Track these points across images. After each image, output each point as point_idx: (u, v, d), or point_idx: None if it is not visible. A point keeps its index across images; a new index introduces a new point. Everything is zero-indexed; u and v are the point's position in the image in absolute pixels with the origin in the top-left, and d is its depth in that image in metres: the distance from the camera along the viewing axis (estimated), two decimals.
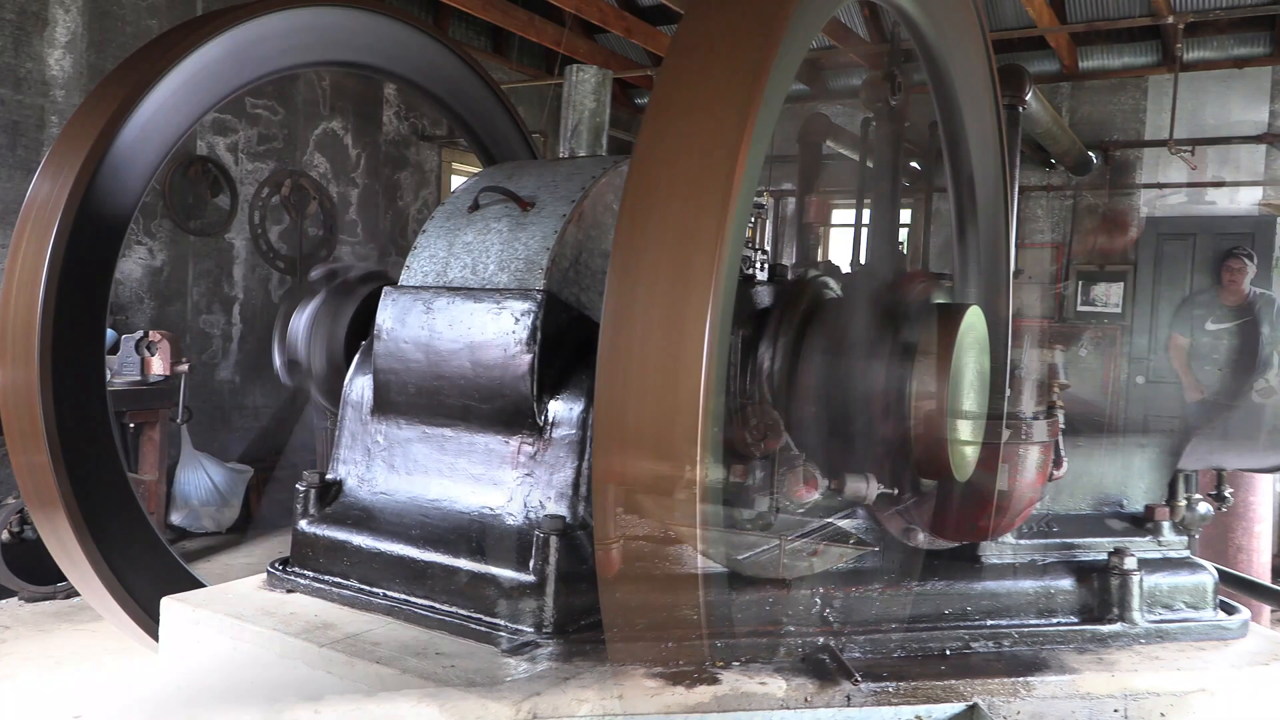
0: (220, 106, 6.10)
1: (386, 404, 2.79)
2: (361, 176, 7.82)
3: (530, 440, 2.54)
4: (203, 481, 6.37)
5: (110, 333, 5.85)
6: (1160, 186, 8.04)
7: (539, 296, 2.51)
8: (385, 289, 2.81)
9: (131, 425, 5.61)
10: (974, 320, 2.55)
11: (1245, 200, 7.81)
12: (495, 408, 2.58)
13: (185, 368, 5.59)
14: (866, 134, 6.91)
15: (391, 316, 2.75)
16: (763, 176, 9.25)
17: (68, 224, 2.84)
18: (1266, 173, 7.71)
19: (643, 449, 1.69)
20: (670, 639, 1.83)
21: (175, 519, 6.32)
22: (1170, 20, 6.18)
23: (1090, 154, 8.11)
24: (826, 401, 2.48)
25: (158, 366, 5.53)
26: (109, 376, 5.46)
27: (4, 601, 4.82)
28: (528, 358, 2.50)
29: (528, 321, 2.51)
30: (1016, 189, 5.51)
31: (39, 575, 4.83)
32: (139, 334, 5.53)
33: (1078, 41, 8.19)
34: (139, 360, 5.53)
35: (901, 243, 5.98)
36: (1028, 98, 5.68)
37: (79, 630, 4.41)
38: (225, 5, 3.75)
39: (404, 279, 2.83)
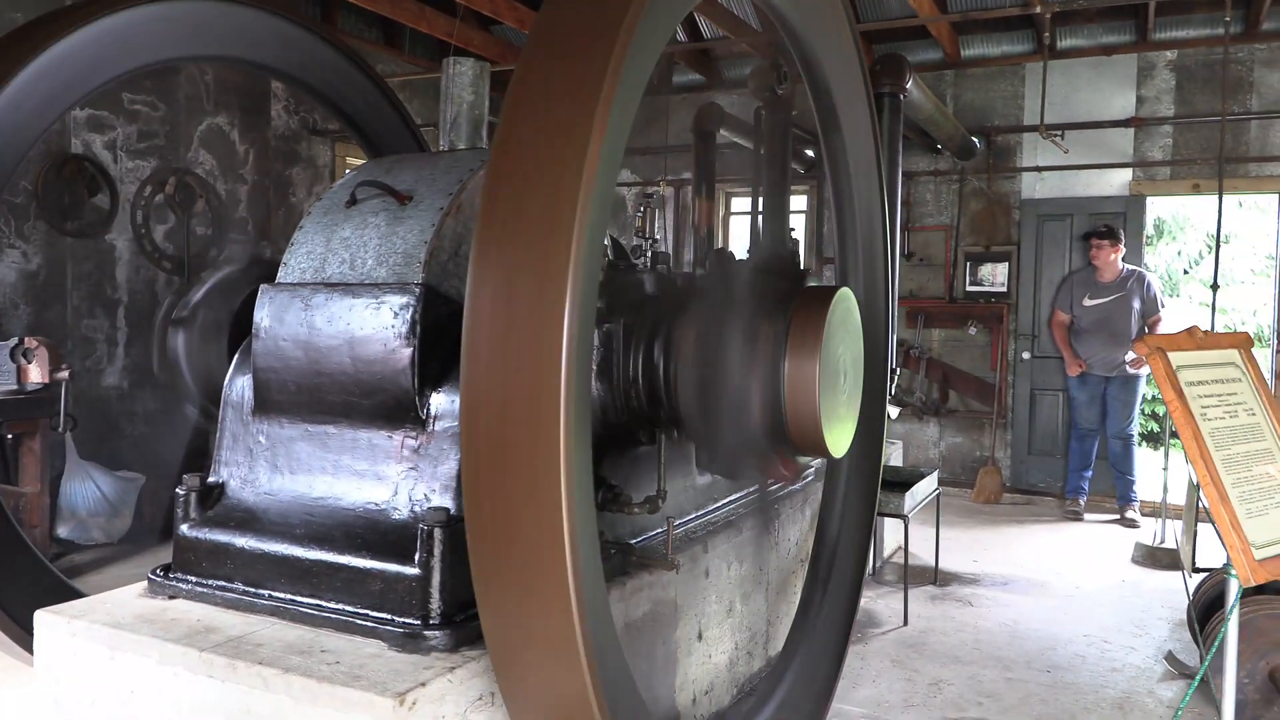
0: (83, 103, 5.86)
1: (267, 403, 2.76)
2: (250, 173, 7.61)
3: (413, 434, 2.55)
4: (91, 492, 6.14)
5: None
6: (1039, 170, 8.38)
7: (417, 290, 2.52)
8: (263, 286, 2.78)
9: (10, 436, 5.37)
10: (844, 302, 2.65)
11: (1117, 182, 8.20)
12: (377, 402, 2.58)
13: (65, 374, 5.37)
14: (759, 122, 7.05)
15: (269, 315, 2.72)
16: (661, 166, 9.29)
17: None
18: (1135, 155, 8.11)
19: (507, 440, 1.71)
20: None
21: (62, 532, 6.07)
22: (1039, 10, 6.45)
23: (974, 139, 8.40)
24: (704, 386, 2.54)
25: (35, 374, 5.31)
26: None
27: None
28: (408, 351, 2.50)
29: (406, 315, 2.51)
30: (900, 175, 5.69)
31: None
32: (13, 341, 5.30)
33: (959, 31, 8.47)
34: (15, 368, 5.30)
35: (793, 229, 6.10)
36: (908, 86, 5.86)
37: None
38: None
39: (281, 276, 2.80)
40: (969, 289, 8.73)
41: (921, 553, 5.94)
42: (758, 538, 3.96)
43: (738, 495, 3.90)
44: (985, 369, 8.71)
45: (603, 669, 1.84)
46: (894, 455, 6.36)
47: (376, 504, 2.56)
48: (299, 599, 2.47)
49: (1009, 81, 8.61)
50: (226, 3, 3.50)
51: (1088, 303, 7.69)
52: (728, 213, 10.23)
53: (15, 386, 5.28)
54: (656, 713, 3.06)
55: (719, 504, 3.75)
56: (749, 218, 7.47)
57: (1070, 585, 5.71)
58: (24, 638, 2.87)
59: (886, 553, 6.05)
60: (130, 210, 6.67)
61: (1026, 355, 8.53)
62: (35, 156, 6.11)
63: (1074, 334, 7.78)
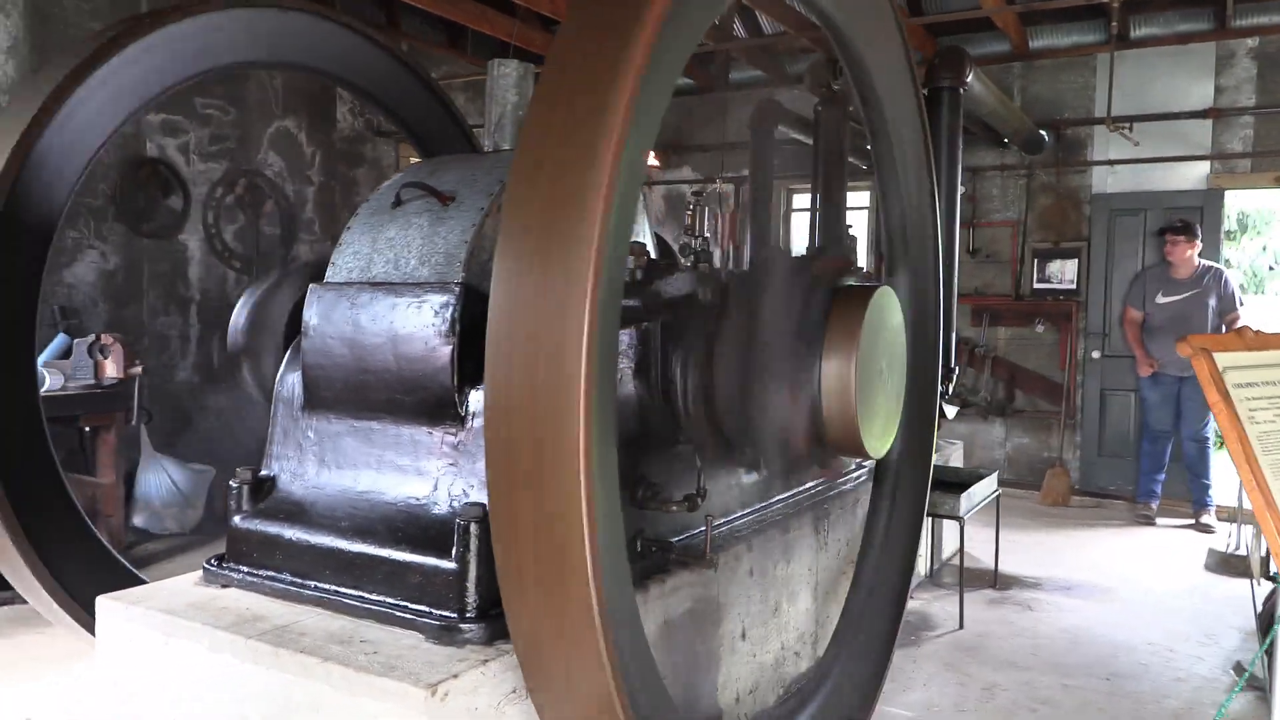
0: (155, 108, 6.08)
1: (316, 399, 2.83)
2: (317, 174, 7.81)
3: (453, 430, 2.59)
4: (164, 483, 6.38)
5: (63, 337, 5.85)
6: (1111, 163, 8.14)
7: (457, 289, 2.56)
8: (311, 286, 2.85)
9: (87, 429, 5.61)
10: (883, 301, 2.62)
11: (1194, 175, 7.92)
12: (418, 399, 2.63)
13: (139, 370, 5.58)
14: (818, 118, 6.98)
15: (317, 313, 2.79)
16: (719, 163, 9.23)
17: None
18: (1213, 147, 7.82)
19: (526, 438, 1.73)
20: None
21: (138, 521, 6.32)
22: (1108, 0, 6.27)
23: (1042, 132, 8.19)
24: (741, 386, 2.54)
25: (111, 369, 5.53)
26: (63, 382, 5.46)
27: None
28: (447, 349, 2.55)
29: (447, 314, 2.55)
30: (960, 170, 5.58)
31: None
32: (91, 338, 5.53)
33: (1026, 21, 8.26)
34: (92, 364, 5.53)
35: (850, 225, 6.03)
36: (968, 79, 5.74)
37: (35, 634, 4.43)
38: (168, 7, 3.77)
39: (329, 276, 2.87)
40: (1036, 286, 8.52)
41: (983, 555, 5.83)
42: (806, 538, 3.93)
43: (785, 494, 3.88)
44: (1053, 368, 8.49)
45: (626, 668, 1.85)
46: (953, 456, 6.24)
47: (417, 499, 2.61)
48: (343, 590, 2.54)
49: (1079, 73, 8.37)
50: (283, 9, 3.60)
51: (1161, 300, 7.45)
52: (789, 209, 10.15)
53: (92, 381, 5.50)
54: (696, 711, 3.06)
55: (766, 503, 3.73)
56: (809, 214, 7.39)
57: (1138, 591, 5.54)
58: (88, 621, 3.00)
59: (946, 555, 5.95)
60: (202, 211, 6.91)
61: (1097, 354, 8.29)
62: (113, 161, 6.37)
63: (1146, 332, 7.54)
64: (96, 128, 3.26)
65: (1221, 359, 2.28)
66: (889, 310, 2.67)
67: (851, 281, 2.82)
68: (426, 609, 2.38)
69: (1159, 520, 7.42)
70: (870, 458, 2.56)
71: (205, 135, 6.93)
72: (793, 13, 7.96)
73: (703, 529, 3.11)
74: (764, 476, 3.30)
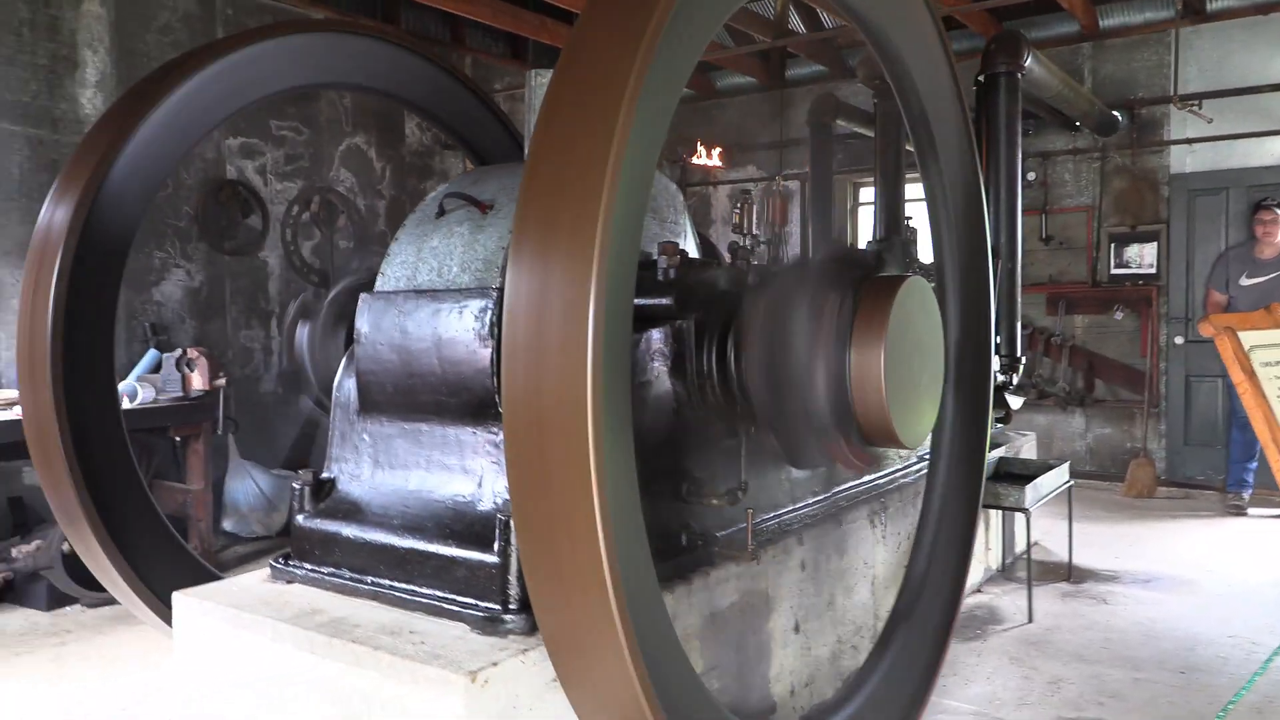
0: (233, 131, 6.36)
1: (369, 403, 2.97)
2: (388, 188, 8.07)
3: (496, 430, 2.69)
4: (250, 489, 6.68)
5: (153, 352, 6.17)
6: (1189, 142, 7.86)
7: (495, 293, 2.66)
8: (362, 295, 2.99)
9: (177, 439, 5.91)
10: (914, 289, 2.62)
11: (1277, 151, 7.59)
12: (462, 401, 2.74)
13: (223, 381, 5.87)
14: (876, 111, 6.92)
15: (368, 321, 2.93)
16: (777, 159, 9.17)
17: (70, 252, 3.06)
18: None
19: (539, 435, 1.80)
20: None
21: (227, 525, 6.63)
22: None
23: (1115, 114, 7.96)
24: (774, 378, 2.57)
25: (197, 382, 5.82)
26: (154, 395, 5.77)
27: (68, 608, 5.14)
28: (487, 351, 2.65)
29: (486, 318, 2.66)
30: (1019, 156, 5.48)
31: (98, 583, 5.14)
32: (178, 352, 5.83)
33: (1094, 1, 8.04)
34: (180, 377, 5.82)
35: (909, 218, 5.98)
36: (1026, 63, 5.63)
37: (133, 632, 4.70)
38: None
39: (379, 285, 3.01)
40: (1114, 272, 8.27)
41: (1060, 549, 5.71)
42: (861, 531, 3.93)
43: (837, 488, 3.88)
44: (1134, 355, 8.24)
45: (652, 663, 1.89)
46: (1025, 447, 6.12)
47: (464, 496, 2.72)
48: (396, 584, 2.66)
49: (1153, 50, 8.11)
50: (339, 34, 3.77)
51: (1245, 282, 7.16)
52: (856, 203, 10.06)
53: (180, 394, 5.80)
54: (748, 703, 3.10)
55: (818, 497, 3.75)
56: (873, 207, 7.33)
57: (1221, 583, 5.36)
58: (167, 614, 3.19)
59: (1019, 549, 5.84)
60: (280, 229, 7.21)
61: (1180, 340, 8.01)
62: (195, 184, 6.71)
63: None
64: (168, 151, 3.46)
65: (1247, 338, 2.22)
66: (921, 299, 2.67)
67: (889, 272, 2.83)
68: (472, 601, 2.49)
69: (1251, 510, 7.13)
70: (905, 446, 2.57)
71: (280, 156, 7.23)
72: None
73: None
74: (804, 469, 3.32)
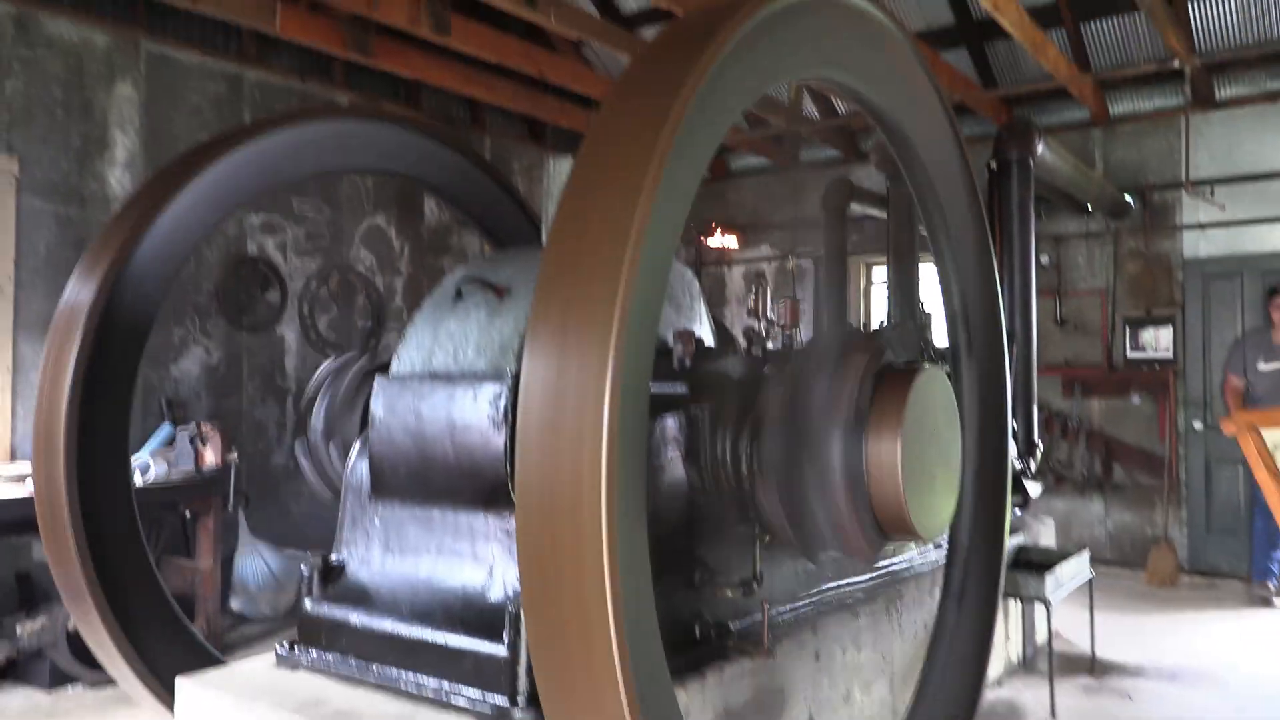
0: (257, 209, 6.46)
1: (382, 487, 2.95)
2: (406, 265, 8.17)
3: (508, 516, 2.66)
4: (260, 567, 6.61)
5: (168, 427, 6.19)
6: (1201, 227, 7.90)
7: (510, 379, 2.66)
8: (378, 378, 3.00)
9: (188, 515, 5.88)
10: (930, 380, 2.61)
11: None
12: (475, 487, 2.72)
13: (235, 456, 5.86)
14: (889, 195, 7.01)
15: (383, 405, 2.93)
16: (794, 240, 9.26)
17: (92, 329, 3.09)
18: None
19: (553, 527, 1.78)
20: None
21: (235, 605, 6.55)
22: (1176, 65, 6.16)
23: (1127, 198, 8.02)
24: (791, 468, 2.55)
25: (210, 457, 5.81)
26: (167, 470, 5.77)
27: (70, 688, 5.06)
28: (500, 437, 2.64)
29: (500, 403, 2.65)
30: (1033, 241, 5.51)
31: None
32: (192, 427, 5.84)
33: (1105, 87, 8.18)
34: (193, 452, 5.82)
35: (923, 301, 6.00)
36: (1038, 150, 5.70)
37: (135, 715, 4.61)
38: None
39: (394, 368, 3.02)
40: (1130, 355, 8.23)
41: (1083, 640, 5.57)
42: (879, 622, 3.85)
43: (854, 578, 3.81)
44: (1153, 440, 8.14)
45: None
46: (1044, 534, 6.02)
47: (474, 584, 2.68)
48: (403, 674, 2.61)
49: (1163, 136, 8.20)
50: (360, 120, 3.86)
51: (1263, 367, 7.12)
52: (869, 283, 10.11)
53: (193, 469, 5.79)
54: None
55: (832, 586, 3.68)
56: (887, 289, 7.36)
57: (1250, 681, 5.20)
58: (171, 701, 3.13)
59: (1040, 640, 5.69)
60: (298, 305, 7.28)
61: (1199, 425, 7.92)
62: (216, 260, 6.81)
63: (1249, 401, 7.19)
64: (192, 231, 3.53)
65: (1271, 435, 2.19)
66: (938, 390, 2.66)
67: (903, 362, 2.82)
68: (480, 694, 2.43)
69: (1278, 601, 6.96)
70: (922, 538, 2.52)
71: (301, 233, 7.35)
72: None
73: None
74: (820, 559, 3.26)
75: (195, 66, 6.81)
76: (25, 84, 5.93)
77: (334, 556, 3.02)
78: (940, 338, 4.41)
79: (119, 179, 6.36)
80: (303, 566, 2.93)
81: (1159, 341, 8.12)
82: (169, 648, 3.34)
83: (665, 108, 1.89)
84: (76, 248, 5.97)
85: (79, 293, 3.22)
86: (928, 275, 6.91)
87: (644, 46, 2.07)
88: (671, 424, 2.69)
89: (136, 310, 3.32)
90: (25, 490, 4.79)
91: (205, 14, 6.15)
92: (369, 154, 3.86)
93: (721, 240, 9.51)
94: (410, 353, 3.00)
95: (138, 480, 5.34)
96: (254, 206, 6.96)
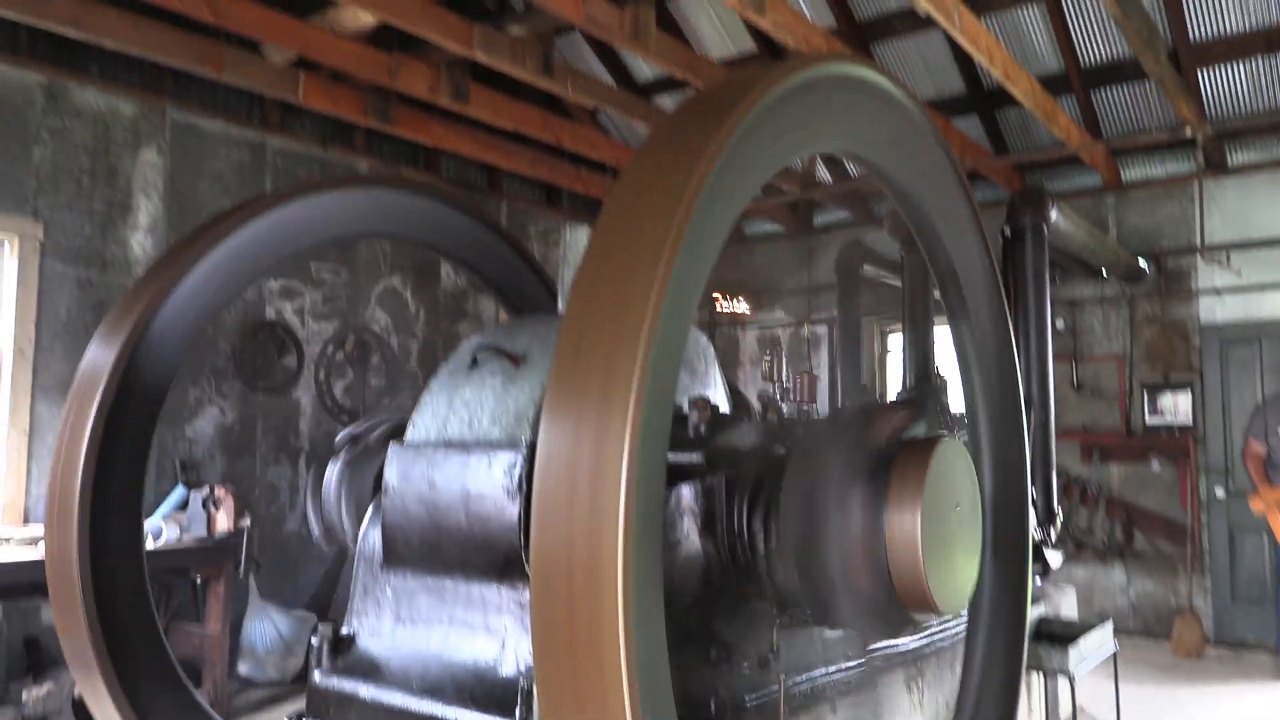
0: (275, 274, 6.54)
1: (394, 556, 2.91)
2: (422, 328, 8.22)
3: (522, 588, 2.62)
4: (269, 631, 6.54)
5: (182, 490, 6.18)
6: (1217, 292, 7.88)
7: (525, 449, 2.64)
8: (392, 445, 2.98)
9: (199, 579, 5.85)
10: (949, 451, 2.57)
11: None
12: (489, 558, 2.68)
13: (248, 521, 5.84)
14: (904, 261, 7.02)
15: (397, 472, 2.91)
16: (808, 304, 9.31)
17: (110, 394, 3.09)
18: None
19: (569, 591, 1.75)
20: None
21: (243, 669, 6.47)
22: (1188, 134, 6.21)
23: (1141, 264, 8.03)
24: (808, 540, 2.51)
25: (222, 521, 5.80)
26: (179, 534, 5.75)
27: None
28: (515, 507, 2.61)
29: (515, 473, 2.63)
30: (1048, 306, 5.50)
31: None
32: (205, 490, 5.83)
33: (1116, 154, 8.24)
34: (206, 516, 5.81)
35: (938, 367, 5.97)
36: (1052, 216, 5.72)
37: None
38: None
39: (409, 436, 3.00)
40: (1148, 421, 8.16)
41: (1107, 714, 5.42)
42: (898, 697, 3.75)
43: (873, 651, 3.73)
44: (1174, 507, 8.02)
45: None
46: (1064, 604, 5.89)
47: (486, 658, 2.63)
48: None
49: (1176, 201, 8.23)
50: (376, 187, 3.91)
51: None
52: (884, 348, 10.10)
53: (205, 533, 5.77)
54: None
55: (852, 661, 3.60)
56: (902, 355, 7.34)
57: None
58: None
59: (1064, 715, 5.54)
60: (314, 368, 7.32)
61: (1220, 492, 7.81)
62: (234, 324, 6.87)
63: (1271, 466, 7.09)
64: (213, 298, 3.55)
65: None
66: (957, 460, 2.62)
67: (920, 431, 2.79)
68: None
69: None
70: (942, 613, 2.47)
71: (319, 297, 7.42)
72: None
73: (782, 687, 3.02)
74: (839, 632, 3.20)
75: (219, 134, 6.95)
76: (53, 152, 6.06)
77: (344, 627, 2.98)
78: (956, 403, 4.39)
79: (141, 243, 6.46)
80: (313, 638, 2.88)
81: (1178, 407, 8.05)
82: (174, 717, 3.28)
83: (685, 180, 1.90)
84: (96, 311, 6.05)
85: (98, 357, 3.23)
86: (943, 339, 6.89)
87: (664, 117, 2.10)
88: (687, 494, 2.66)
89: (155, 375, 3.33)
90: (37, 554, 4.77)
91: (230, 83, 6.29)
92: (388, 221, 3.90)
93: (735, 304, 9.55)
94: (425, 420, 2.99)
95: (149, 545, 5.33)
96: (274, 272, 7.04)
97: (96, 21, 5.36)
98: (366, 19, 5.83)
